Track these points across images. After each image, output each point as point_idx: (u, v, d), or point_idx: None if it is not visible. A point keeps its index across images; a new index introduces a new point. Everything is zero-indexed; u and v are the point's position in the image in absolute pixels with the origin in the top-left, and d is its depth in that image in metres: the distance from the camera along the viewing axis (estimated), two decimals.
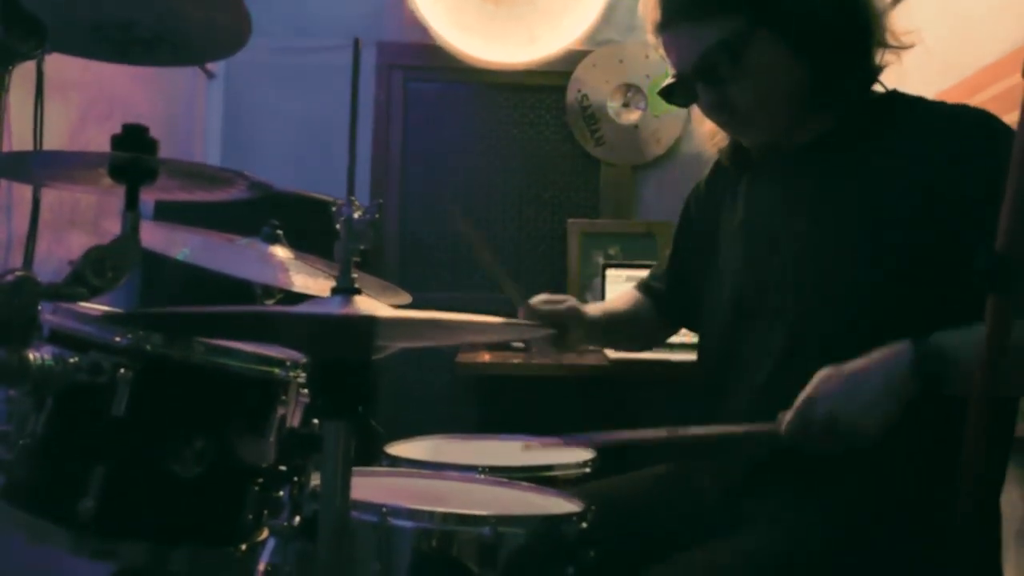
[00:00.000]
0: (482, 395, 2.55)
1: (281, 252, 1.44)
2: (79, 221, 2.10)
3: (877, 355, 0.97)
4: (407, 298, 1.48)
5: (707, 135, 1.26)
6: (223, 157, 2.94)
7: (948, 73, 1.83)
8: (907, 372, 0.95)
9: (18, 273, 0.89)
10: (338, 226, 0.84)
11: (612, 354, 2.28)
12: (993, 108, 1.67)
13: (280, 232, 1.46)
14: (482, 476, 1.31)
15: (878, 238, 1.05)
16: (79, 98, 2.08)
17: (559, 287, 2.89)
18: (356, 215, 0.84)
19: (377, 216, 0.86)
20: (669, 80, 1.17)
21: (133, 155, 0.93)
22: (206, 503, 1.09)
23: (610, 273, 2.58)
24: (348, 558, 0.97)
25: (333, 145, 2.49)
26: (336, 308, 0.81)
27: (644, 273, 2.55)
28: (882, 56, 1.11)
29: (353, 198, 0.85)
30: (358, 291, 0.83)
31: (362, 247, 0.85)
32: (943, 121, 1.07)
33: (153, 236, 1.36)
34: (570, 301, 1.35)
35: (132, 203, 0.96)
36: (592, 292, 2.68)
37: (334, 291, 0.83)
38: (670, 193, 2.91)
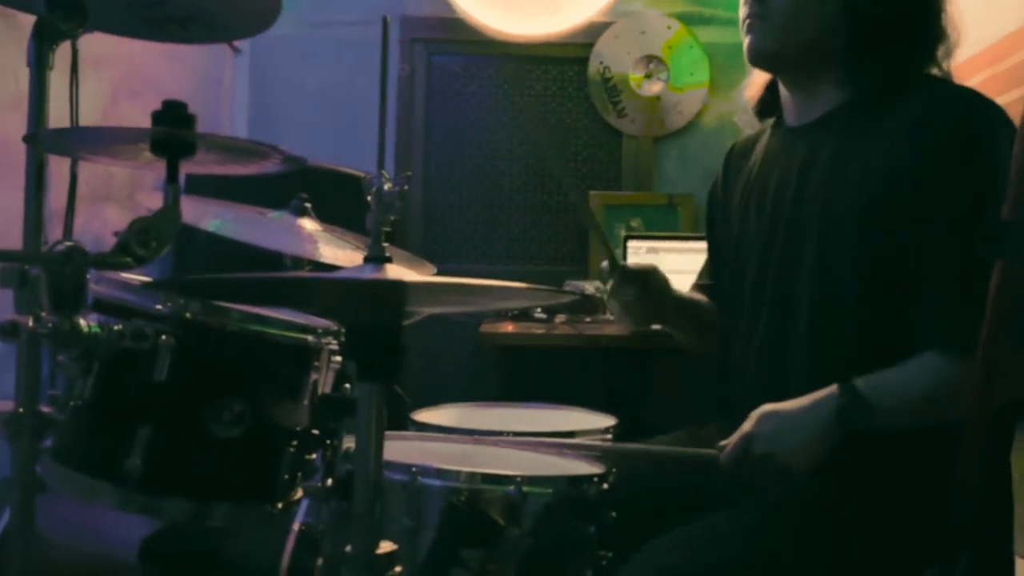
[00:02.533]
0: (505, 365, 2.59)
1: (309, 224, 1.48)
2: (114, 195, 2.15)
3: (808, 401, 1.05)
4: (432, 269, 1.51)
5: (751, 84, 1.30)
6: (250, 131, 2.98)
7: (972, 42, 1.82)
8: (833, 420, 1.02)
9: (67, 243, 0.93)
10: (369, 198, 0.88)
11: None
12: (1014, 76, 1.66)
13: (308, 205, 1.49)
14: (508, 439, 1.35)
15: (868, 220, 1.07)
16: (111, 74, 2.13)
17: (581, 259, 2.92)
18: (386, 187, 0.88)
19: (405, 188, 0.89)
20: None
21: (174, 130, 0.97)
22: (244, 463, 1.14)
23: (632, 245, 2.60)
24: (380, 516, 1.01)
25: (357, 119, 2.52)
26: (369, 275, 0.85)
27: (666, 244, 2.60)
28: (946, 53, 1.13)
29: (383, 171, 0.89)
30: (389, 259, 0.87)
31: (392, 218, 0.88)
32: (938, 107, 1.07)
33: (186, 209, 1.39)
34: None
35: (173, 176, 0.99)
36: None
37: (366, 260, 0.87)
38: (691, 165, 2.93)
